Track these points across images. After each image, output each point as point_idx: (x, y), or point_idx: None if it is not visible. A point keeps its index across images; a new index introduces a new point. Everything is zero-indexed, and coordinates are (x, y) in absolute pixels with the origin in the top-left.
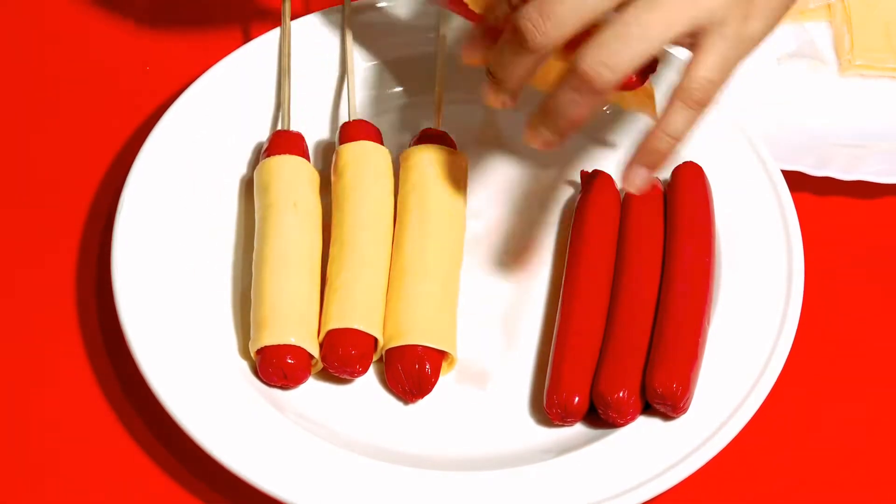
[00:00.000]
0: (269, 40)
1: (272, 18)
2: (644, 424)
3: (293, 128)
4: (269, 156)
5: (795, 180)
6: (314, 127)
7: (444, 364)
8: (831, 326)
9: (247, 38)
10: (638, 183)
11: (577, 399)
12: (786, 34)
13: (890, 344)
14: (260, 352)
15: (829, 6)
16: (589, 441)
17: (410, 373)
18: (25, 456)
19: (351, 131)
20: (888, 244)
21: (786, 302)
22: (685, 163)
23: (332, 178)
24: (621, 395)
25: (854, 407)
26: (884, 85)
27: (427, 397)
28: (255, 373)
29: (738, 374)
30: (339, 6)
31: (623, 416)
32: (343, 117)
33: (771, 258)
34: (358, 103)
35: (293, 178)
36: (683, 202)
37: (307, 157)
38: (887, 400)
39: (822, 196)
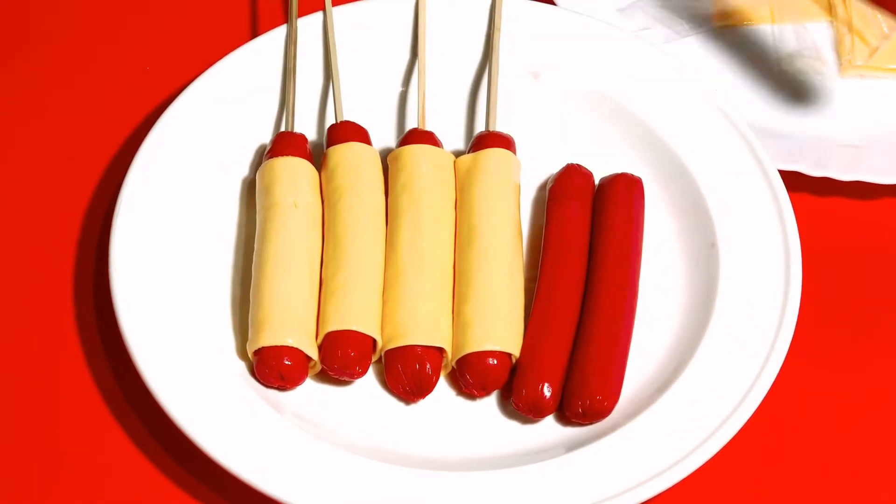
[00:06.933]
0: (269, 40)
1: (273, 18)
2: (644, 424)
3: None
4: (272, 157)
5: (794, 180)
6: (314, 128)
7: (444, 363)
8: (830, 327)
9: (246, 39)
10: None
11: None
12: (786, 34)
13: (889, 344)
14: (257, 353)
15: (829, 6)
16: (590, 440)
17: (411, 373)
18: (24, 457)
19: (339, 133)
20: (887, 244)
21: (783, 302)
22: (619, 174)
23: (322, 180)
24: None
25: (853, 407)
26: (884, 85)
27: (428, 397)
28: (253, 374)
29: (737, 373)
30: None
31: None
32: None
33: (768, 258)
34: (344, 104)
35: (295, 179)
36: (614, 214)
37: (310, 159)
38: (887, 400)
39: (821, 196)
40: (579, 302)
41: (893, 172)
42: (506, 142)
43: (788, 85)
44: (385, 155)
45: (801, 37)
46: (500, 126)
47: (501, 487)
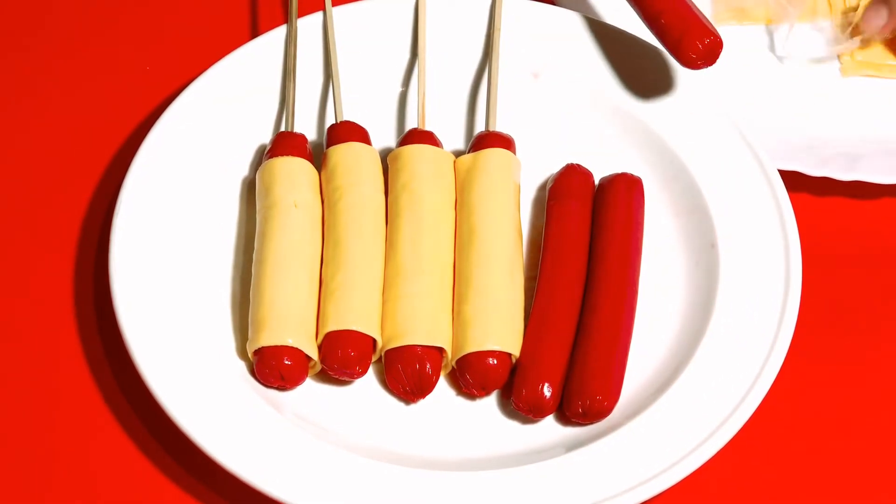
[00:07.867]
0: (269, 40)
1: (273, 18)
2: (644, 424)
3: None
4: (272, 157)
5: (794, 180)
6: (314, 128)
7: (444, 363)
8: (830, 327)
9: (246, 39)
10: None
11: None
12: (786, 34)
13: (889, 344)
14: (257, 353)
15: (830, 5)
16: (590, 440)
17: (411, 373)
18: (23, 456)
19: (339, 133)
20: (887, 244)
21: (783, 302)
22: (619, 174)
23: (322, 180)
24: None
25: (853, 407)
26: (884, 85)
27: (428, 397)
28: (253, 374)
29: (737, 373)
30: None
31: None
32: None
33: (768, 258)
34: (344, 104)
35: (295, 179)
36: (614, 214)
37: (310, 159)
38: (887, 399)
39: (821, 196)
40: (579, 302)
41: (893, 172)
42: (506, 142)
43: (788, 85)
44: (385, 155)
45: (801, 36)
46: (500, 126)
47: (501, 487)
